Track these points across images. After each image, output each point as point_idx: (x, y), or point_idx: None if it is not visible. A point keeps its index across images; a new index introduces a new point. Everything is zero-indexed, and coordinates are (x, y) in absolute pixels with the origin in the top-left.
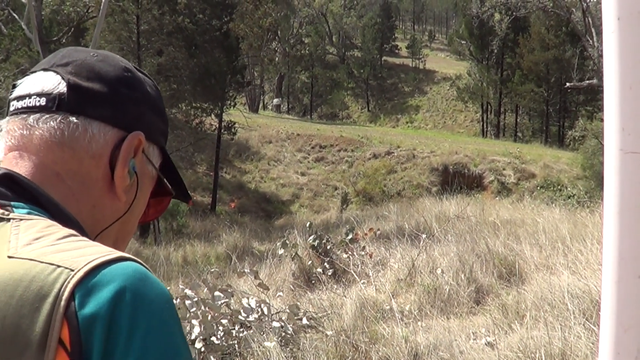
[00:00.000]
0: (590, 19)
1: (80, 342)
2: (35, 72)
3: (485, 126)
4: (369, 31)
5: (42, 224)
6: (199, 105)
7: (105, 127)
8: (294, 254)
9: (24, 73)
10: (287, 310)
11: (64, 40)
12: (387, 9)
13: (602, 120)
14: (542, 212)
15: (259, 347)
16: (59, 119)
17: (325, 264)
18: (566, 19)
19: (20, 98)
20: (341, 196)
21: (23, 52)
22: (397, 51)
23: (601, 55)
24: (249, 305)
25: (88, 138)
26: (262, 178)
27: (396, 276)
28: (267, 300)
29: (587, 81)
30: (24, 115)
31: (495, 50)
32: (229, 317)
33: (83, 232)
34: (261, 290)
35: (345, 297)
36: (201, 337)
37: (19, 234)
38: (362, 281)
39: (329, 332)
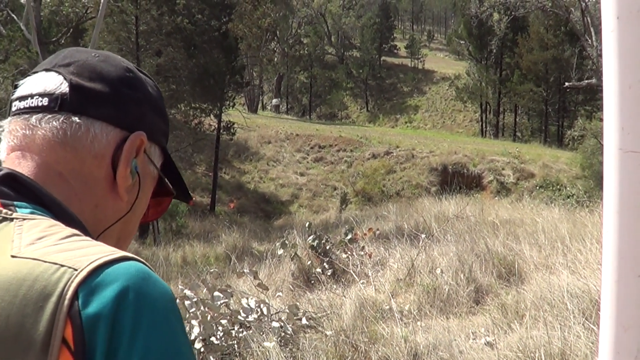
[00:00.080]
0: (589, 19)
1: (83, 341)
2: (37, 72)
3: (484, 126)
4: (368, 31)
5: (45, 223)
6: (197, 105)
7: (107, 127)
8: (293, 254)
9: (22, 74)
10: (287, 311)
11: (62, 41)
12: (385, 9)
13: (601, 119)
14: (541, 212)
15: (258, 347)
16: (62, 119)
17: (325, 264)
18: (565, 18)
19: (22, 98)
20: (340, 196)
21: (22, 53)
22: (396, 51)
23: (600, 55)
24: (249, 305)
25: (90, 138)
26: (261, 178)
27: (395, 276)
28: (267, 301)
29: (586, 81)
30: (27, 116)
31: (494, 50)
32: (228, 317)
33: (85, 231)
34: (260, 290)
35: (344, 297)
36: (200, 338)
37: (22, 233)
38: (361, 281)
39: (329, 332)
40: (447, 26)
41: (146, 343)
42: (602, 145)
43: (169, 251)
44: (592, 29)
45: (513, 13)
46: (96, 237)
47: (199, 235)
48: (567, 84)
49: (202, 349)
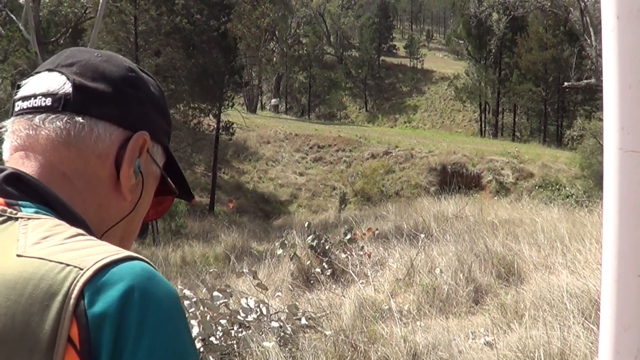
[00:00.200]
0: (588, 18)
1: (89, 341)
2: (39, 72)
3: (483, 126)
4: (367, 31)
5: (50, 223)
6: (197, 105)
7: (110, 127)
8: (292, 254)
9: (21, 74)
10: (286, 310)
11: (61, 41)
12: (384, 8)
13: (600, 119)
14: (540, 212)
15: (257, 347)
16: (65, 119)
17: (324, 264)
18: (564, 18)
19: (25, 98)
20: (339, 196)
21: (21, 53)
22: (395, 51)
23: (599, 55)
24: (248, 305)
25: (94, 138)
26: (261, 178)
27: (395, 276)
28: (266, 300)
29: (585, 80)
30: (30, 116)
31: (493, 50)
32: (227, 317)
33: (89, 231)
34: (260, 290)
35: (344, 297)
36: (200, 338)
37: (27, 232)
38: (360, 281)
39: (328, 332)
40: (446, 26)
41: (151, 342)
42: (602, 145)
43: (168, 251)
44: (591, 29)
45: (512, 13)
46: (100, 237)
47: (198, 235)
48: (566, 83)
49: (202, 349)
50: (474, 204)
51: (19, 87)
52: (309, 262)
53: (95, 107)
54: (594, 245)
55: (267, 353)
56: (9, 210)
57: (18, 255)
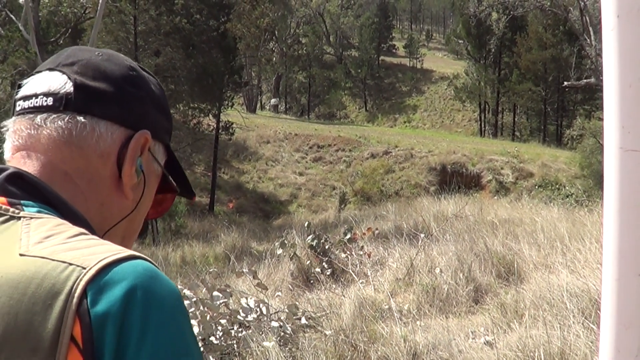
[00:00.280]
0: (587, 18)
1: (92, 340)
2: (40, 71)
3: (483, 125)
4: (366, 31)
5: (52, 222)
6: (196, 105)
7: (112, 126)
8: (292, 253)
9: (21, 74)
10: (286, 310)
11: (61, 42)
12: (384, 8)
13: (600, 119)
14: (540, 211)
15: (257, 346)
16: (67, 118)
17: (324, 263)
18: (564, 17)
19: (26, 98)
20: (339, 196)
21: (20, 54)
22: (394, 51)
23: (599, 54)
24: (248, 305)
25: (96, 137)
26: (260, 178)
27: (395, 276)
28: (266, 300)
29: (585, 80)
30: (31, 115)
31: (493, 50)
32: (227, 317)
33: (91, 230)
34: (260, 290)
35: (343, 296)
36: (200, 337)
37: (30, 232)
38: (360, 281)
39: (328, 332)
40: (445, 25)
41: (155, 342)
42: (601, 144)
43: (168, 251)
44: (590, 28)
45: (512, 12)
46: (102, 236)
47: (197, 235)
48: (565, 83)
49: (202, 349)
50: (473, 203)
51: (19, 86)
52: (308, 261)
53: (97, 107)
54: (594, 244)
55: (267, 353)
56: (12, 209)
57: (21, 255)
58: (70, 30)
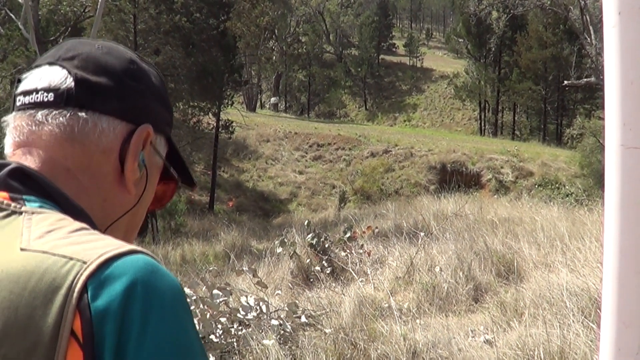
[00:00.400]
0: (588, 17)
1: (92, 334)
2: (40, 65)
3: (483, 124)
4: (366, 29)
5: (53, 217)
6: (196, 104)
7: (114, 121)
8: (292, 252)
9: (21, 73)
10: (286, 309)
11: (60, 40)
12: (384, 7)
13: (600, 118)
14: (540, 210)
15: (257, 345)
16: (68, 114)
17: (324, 262)
18: (564, 16)
19: (27, 93)
20: (339, 194)
21: (20, 52)
22: (394, 49)
23: (599, 53)
24: (248, 303)
25: (98, 133)
26: (260, 177)
27: (394, 274)
28: (266, 299)
29: (585, 79)
30: (32, 111)
31: (493, 48)
32: (227, 315)
33: (93, 225)
34: (260, 288)
35: (343, 295)
36: (200, 336)
37: (31, 227)
38: (360, 279)
39: (328, 330)
40: (445, 24)
41: (155, 337)
42: (602, 143)
43: (168, 250)
44: (591, 27)
45: (512, 11)
46: (104, 231)
47: (197, 233)
48: (566, 82)
49: None
50: (473, 202)
51: (19, 80)
52: (308, 260)
53: (98, 102)
54: (594, 243)
55: (267, 351)
56: (13, 204)
57: (22, 249)
58: (70, 28)
